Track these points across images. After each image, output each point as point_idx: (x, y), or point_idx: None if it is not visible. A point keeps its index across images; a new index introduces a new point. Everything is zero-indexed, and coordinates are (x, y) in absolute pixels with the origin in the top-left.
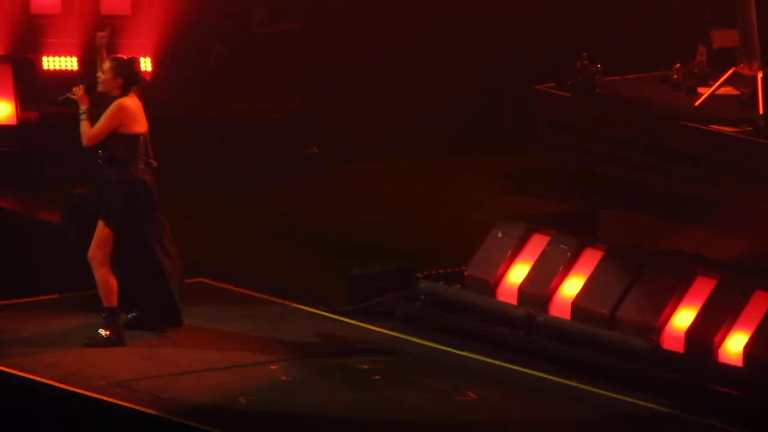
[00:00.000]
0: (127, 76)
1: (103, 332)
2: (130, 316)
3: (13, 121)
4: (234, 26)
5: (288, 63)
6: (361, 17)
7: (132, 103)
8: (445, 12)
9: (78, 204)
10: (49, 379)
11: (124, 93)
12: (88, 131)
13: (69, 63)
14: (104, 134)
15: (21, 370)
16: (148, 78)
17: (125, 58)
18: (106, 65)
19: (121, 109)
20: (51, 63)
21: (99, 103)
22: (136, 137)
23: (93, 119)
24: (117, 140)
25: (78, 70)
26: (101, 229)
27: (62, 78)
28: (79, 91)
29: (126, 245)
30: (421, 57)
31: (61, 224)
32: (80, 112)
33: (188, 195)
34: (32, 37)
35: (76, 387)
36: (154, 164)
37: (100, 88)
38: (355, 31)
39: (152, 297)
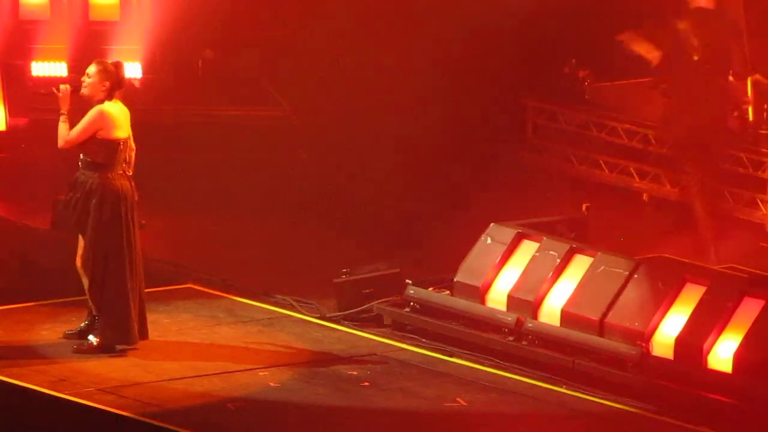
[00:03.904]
0: (114, 80)
1: (92, 339)
2: (82, 325)
3: (1, 127)
4: (223, 32)
5: (277, 69)
6: (350, 24)
7: (114, 108)
8: (435, 19)
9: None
10: (38, 385)
11: (109, 97)
12: (66, 134)
13: (58, 69)
14: (82, 139)
15: (9, 377)
16: (137, 83)
17: (112, 62)
18: (93, 68)
19: (102, 114)
20: (40, 69)
21: (80, 107)
22: (116, 142)
23: (72, 123)
24: (97, 145)
25: (67, 76)
26: (83, 240)
27: (51, 84)
28: (65, 92)
29: (95, 251)
30: (411, 63)
31: (50, 230)
32: (61, 112)
33: (176, 200)
34: (21, 43)
35: (64, 393)
36: (130, 172)
37: (84, 91)
38: (344, 38)
39: (107, 311)
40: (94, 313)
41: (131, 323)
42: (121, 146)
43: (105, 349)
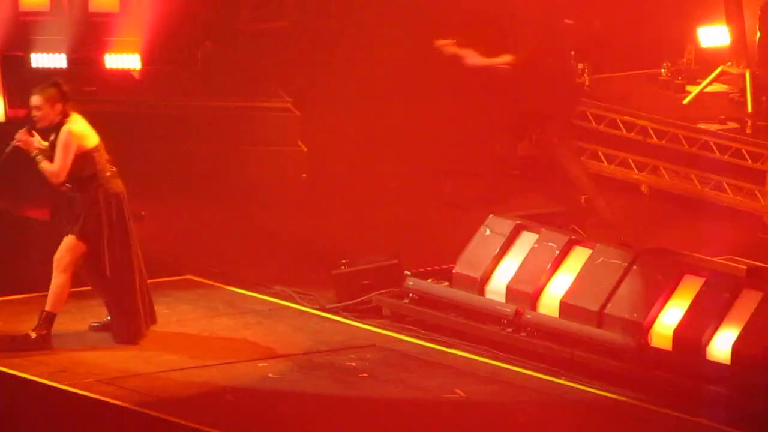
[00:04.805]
0: (62, 99)
1: (32, 333)
2: (105, 320)
3: (1, 119)
4: (222, 23)
5: (276, 60)
6: (349, 16)
7: (77, 122)
8: (434, 10)
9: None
10: (38, 376)
11: (65, 115)
12: (52, 169)
13: (57, 60)
14: (69, 163)
15: (9, 367)
16: (136, 75)
17: (48, 83)
18: (37, 100)
19: (72, 133)
20: (40, 60)
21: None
22: (93, 151)
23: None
24: (80, 160)
25: (66, 68)
26: (72, 238)
27: (51, 75)
28: (22, 137)
29: (100, 254)
30: (409, 54)
31: (50, 222)
32: (33, 155)
33: (175, 191)
34: (21, 35)
35: (64, 384)
36: (113, 169)
37: (41, 124)
38: (343, 30)
39: (120, 309)
40: (45, 307)
41: (139, 322)
42: (99, 151)
43: (41, 347)
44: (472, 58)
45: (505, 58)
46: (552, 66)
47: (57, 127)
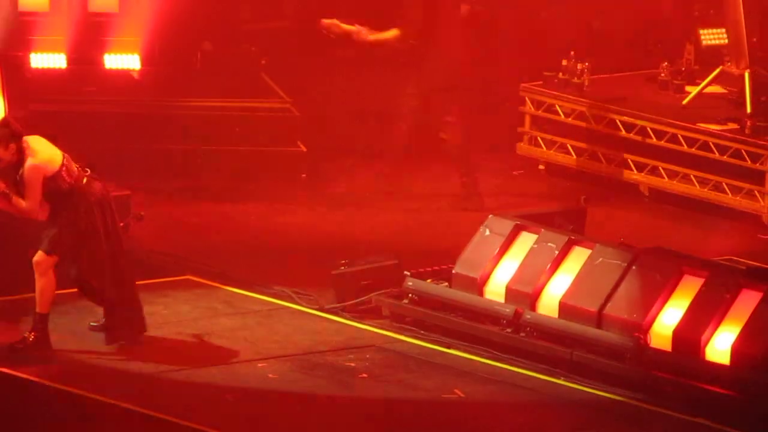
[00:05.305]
0: (14, 137)
1: (28, 335)
2: (100, 322)
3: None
4: (222, 23)
5: (276, 60)
6: (349, 14)
7: (36, 152)
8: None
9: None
10: (38, 376)
11: (21, 152)
12: (24, 205)
13: (57, 60)
14: (39, 196)
15: (10, 368)
16: (137, 75)
17: None
18: None
19: (33, 168)
20: (39, 60)
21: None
22: (60, 170)
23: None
24: (53, 183)
25: (66, 67)
26: (50, 252)
27: (50, 75)
28: None
29: (89, 257)
30: (411, 52)
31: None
32: (2, 194)
33: (175, 191)
34: (20, 35)
35: (64, 385)
36: (88, 172)
37: (1, 165)
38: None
39: (119, 308)
40: (36, 309)
41: (142, 314)
42: (67, 166)
43: (40, 347)
44: (362, 35)
45: (392, 33)
46: (445, 40)
47: (19, 164)
